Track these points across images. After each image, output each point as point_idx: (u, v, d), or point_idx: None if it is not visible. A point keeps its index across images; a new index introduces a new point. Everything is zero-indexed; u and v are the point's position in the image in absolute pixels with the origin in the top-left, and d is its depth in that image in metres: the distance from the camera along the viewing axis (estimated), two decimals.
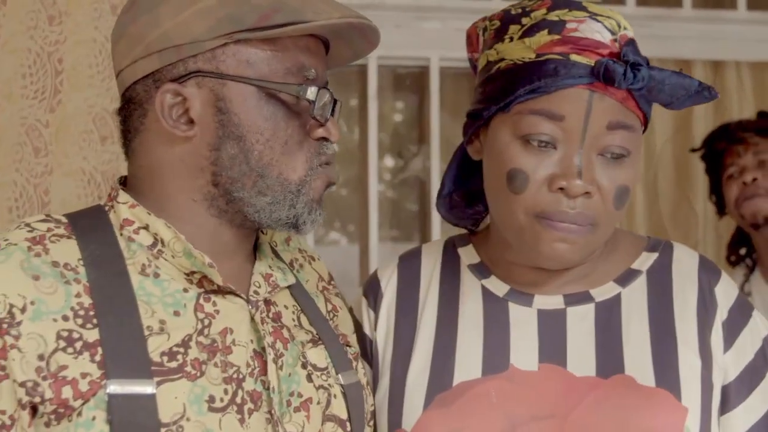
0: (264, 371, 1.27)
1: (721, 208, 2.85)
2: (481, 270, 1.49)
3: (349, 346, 1.44)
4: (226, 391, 1.22)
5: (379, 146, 3.18)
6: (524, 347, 1.40)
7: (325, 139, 1.30)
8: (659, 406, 1.33)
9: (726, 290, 1.42)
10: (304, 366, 1.32)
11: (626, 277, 1.44)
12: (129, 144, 1.30)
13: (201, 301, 1.26)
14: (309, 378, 1.32)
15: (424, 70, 3.25)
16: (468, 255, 1.52)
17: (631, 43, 1.37)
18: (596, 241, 1.38)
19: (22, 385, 1.13)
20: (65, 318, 1.16)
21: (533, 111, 1.35)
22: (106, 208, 1.29)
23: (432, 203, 3.11)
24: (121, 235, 1.26)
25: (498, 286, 1.46)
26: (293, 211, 1.28)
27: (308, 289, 1.44)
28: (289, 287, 1.39)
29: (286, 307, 1.36)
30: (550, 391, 1.36)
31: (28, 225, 1.23)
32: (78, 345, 1.15)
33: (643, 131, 1.41)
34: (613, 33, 1.37)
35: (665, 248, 1.47)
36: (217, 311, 1.26)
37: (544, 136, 1.34)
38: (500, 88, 1.38)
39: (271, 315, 1.32)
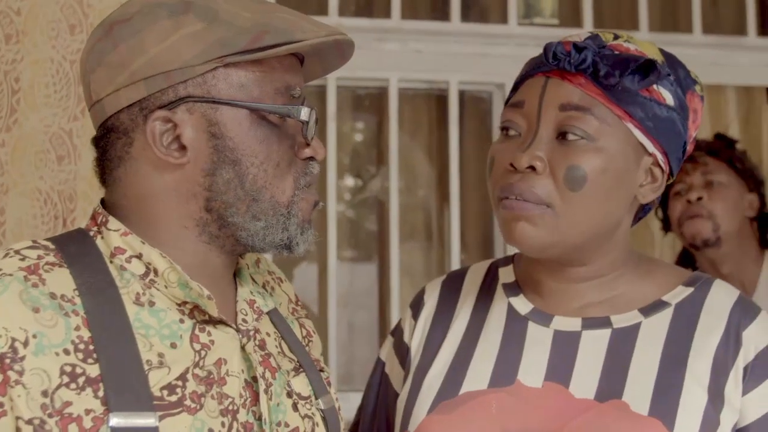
0: (254, 401, 1.27)
1: (666, 225, 2.88)
2: (513, 288, 1.53)
3: (323, 371, 1.44)
4: (223, 424, 1.21)
5: (338, 166, 3.18)
6: (533, 365, 1.43)
7: (311, 158, 1.30)
8: None
9: (758, 333, 1.40)
10: (289, 395, 1.32)
11: (652, 308, 1.44)
12: (110, 173, 1.27)
13: (197, 331, 1.24)
14: (295, 407, 1.32)
15: (383, 91, 3.27)
16: (506, 274, 1.56)
17: (596, 38, 1.41)
18: (562, 227, 1.37)
19: (29, 422, 1.10)
20: (66, 352, 1.14)
21: (508, 104, 1.45)
22: (91, 233, 1.26)
23: (391, 224, 3.12)
24: (111, 263, 1.23)
25: (522, 305, 1.50)
26: (286, 234, 1.27)
27: (282, 313, 1.43)
28: (268, 313, 1.38)
29: (268, 334, 1.36)
30: (546, 409, 1.38)
31: (18, 252, 1.19)
32: (81, 380, 1.13)
33: (654, 137, 1.40)
34: (596, 38, 1.42)
35: (703, 284, 1.47)
36: (212, 341, 1.25)
37: (510, 123, 1.42)
38: None
39: (257, 343, 1.32)
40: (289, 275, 3.34)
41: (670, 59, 1.46)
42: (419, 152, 3.42)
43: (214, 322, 1.26)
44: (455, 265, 3.14)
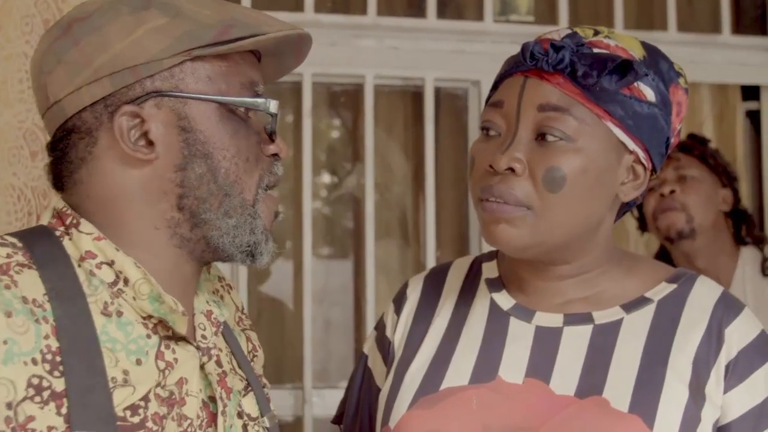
0: (210, 422, 1.24)
1: (642, 224, 2.90)
2: (496, 284, 1.52)
3: (266, 387, 1.43)
4: None
5: (313, 163, 3.18)
6: (514, 361, 1.43)
7: (275, 156, 1.28)
8: (624, 431, 1.33)
9: (740, 330, 1.40)
10: (240, 416, 1.30)
11: (634, 304, 1.44)
12: (70, 176, 1.23)
13: (162, 348, 1.20)
14: (245, 428, 1.30)
15: (358, 88, 3.26)
16: (489, 270, 1.56)
17: (575, 36, 1.40)
18: (543, 228, 1.37)
19: None
20: (34, 361, 1.08)
21: (488, 104, 1.44)
22: (58, 233, 1.21)
23: (366, 221, 3.11)
24: (79, 266, 1.18)
25: (505, 301, 1.49)
26: (253, 237, 1.24)
27: (230, 324, 1.41)
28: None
29: (221, 349, 1.32)
30: (527, 405, 1.38)
31: None
32: (45, 394, 1.08)
33: (637, 137, 1.39)
34: (574, 35, 1.41)
35: (687, 281, 1.46)
36: (176, 360, 1.21)
37: (489, 123, 1.41)
38: None
39: (215, 361, 1.29)
40: (265, 272, 3.34)
41: (653, 52, 1.44)
42: (395, 149, 3.42)
43: (176, 338, 1.22)
44: (431, 261, 3.15)
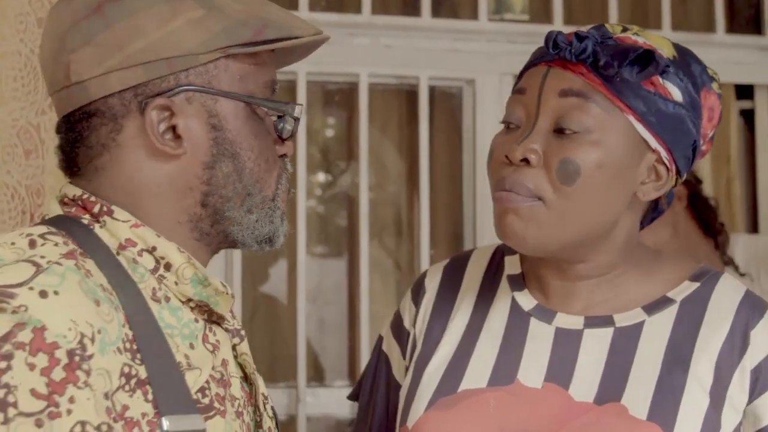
0: (248, 402, 1.26)
1: None
2: (517, 282, 1.49)
3: None
4: (240, 426, 1.20)
5: (308, 161, 3.18)
6: (534, 363, 1.40)
7: (284, 156, 1.28)
8: None
9: (767, 333, 1.37)
10: None
11: (656, 305, 1.40)
12: (90, 161, 1.19)
13: (206, 331, 1.21)
14: (264, 406, 1.31)
15: (353, 86, 3.26)
16: (511, 265, 1.52)
17: (601, 28, 1.39)
18: (552, 221, 1.34)
19: (98, 429, 1.01)
20: (119, 350, 1.07)
21: (512, 92, 1.43)
22: (85, 221, 1.17)
23: (360, 219, 3.12)
24: (119, 254, 1.16)
25: (526, 300, 1.46)
26: (272, 226, 1.24)
27: None
28: None
29: None
30: (545, 410, 1.36)
31: (44, 237, 1.10)
32: (132, 382, 1.07)
33: (656, 133, 1.36)
34: (601, 28, 1.39)
35: (710, 279, 1.42)
36: (218, 341, 1.22)
37: (510, 116, 1.39)
38: None
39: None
40: (260, 271, 3.34)
41: (685, 54, 1.42)
42: (389, 148, 3.42)
43: (212, 321, 1.23)
44: (425, 260, 3.15)
